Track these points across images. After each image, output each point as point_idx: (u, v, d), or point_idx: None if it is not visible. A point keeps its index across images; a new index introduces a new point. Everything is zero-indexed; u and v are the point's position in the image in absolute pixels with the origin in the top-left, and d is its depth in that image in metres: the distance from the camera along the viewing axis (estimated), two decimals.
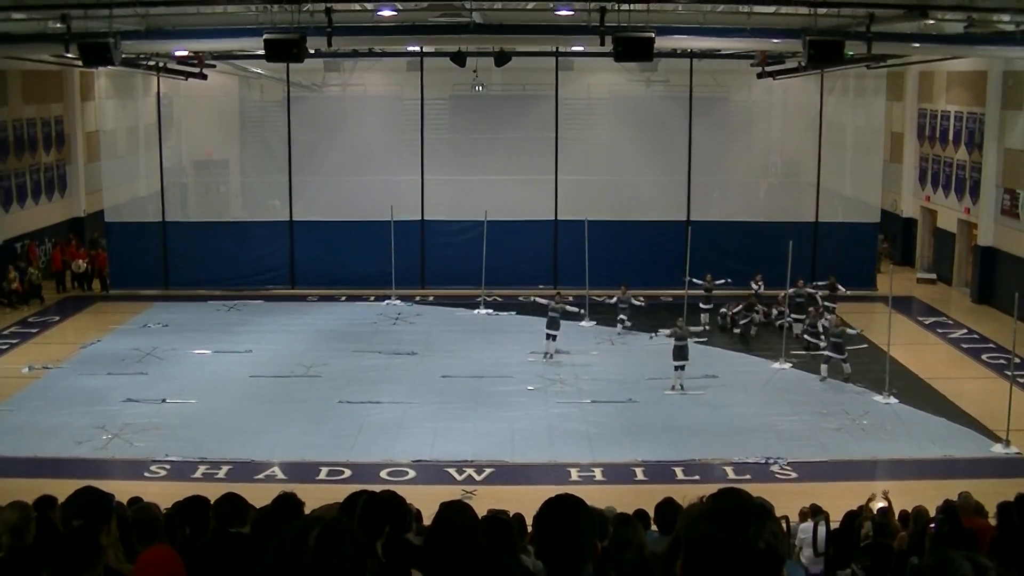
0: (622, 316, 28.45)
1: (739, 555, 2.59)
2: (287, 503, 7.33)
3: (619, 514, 8.82)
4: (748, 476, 19.00)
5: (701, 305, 29.15)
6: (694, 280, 28.49)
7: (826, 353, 24.92)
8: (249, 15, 21.94)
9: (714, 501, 2.74)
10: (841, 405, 23.05)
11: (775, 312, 28.72)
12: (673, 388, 23.86)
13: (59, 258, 34.22)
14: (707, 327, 28.47)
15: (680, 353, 24.03)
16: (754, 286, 29.68)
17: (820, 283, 29.90)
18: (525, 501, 12.44)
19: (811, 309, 28.08)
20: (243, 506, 7.02)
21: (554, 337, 26.40)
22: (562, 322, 26.61)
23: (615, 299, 28.56)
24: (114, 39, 19.56)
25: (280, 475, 19.08)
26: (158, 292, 33.48)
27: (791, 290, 27.95)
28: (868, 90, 35.07)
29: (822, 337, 26.27)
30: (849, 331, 25.11)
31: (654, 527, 9.56)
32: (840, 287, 29.64)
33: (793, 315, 27.90)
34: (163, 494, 13.02)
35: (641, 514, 10.64)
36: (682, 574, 2.68)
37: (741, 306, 28.54)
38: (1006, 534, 9.50)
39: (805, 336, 27.24)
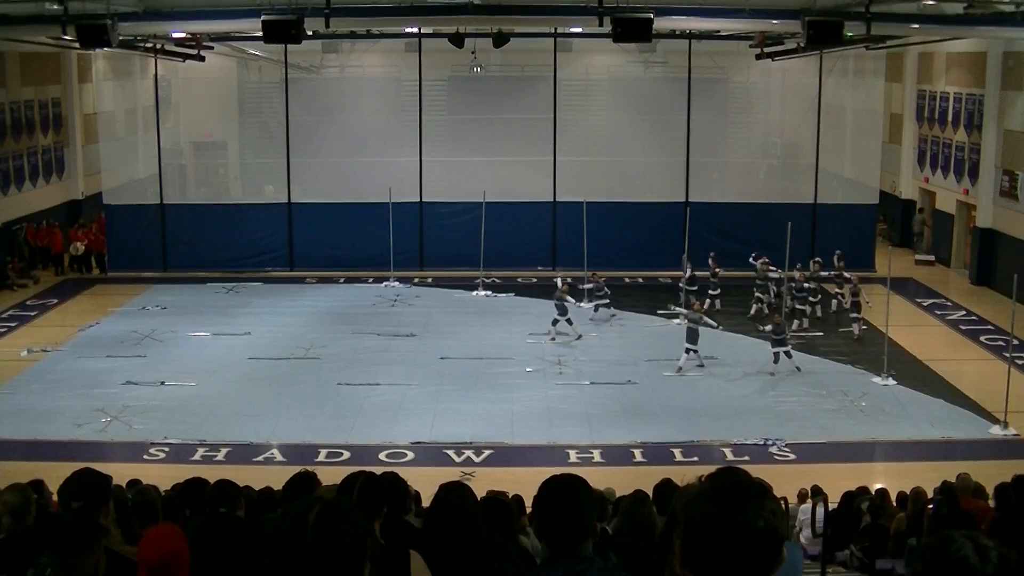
0: (598, 303, 28.34)
1: (738, 534, 2.59)
2: (305, 481, 7.33)
3: (634, 492, 8.78)
4: (747, 457, 19.01)
5: (710, 292, 28.95)
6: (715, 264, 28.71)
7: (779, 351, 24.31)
8: None
9: (712, 481, 2.73)
10: (839, 386, 23.06)
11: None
12: (679, 371, 23.85)
13: (59, 240, 34.19)
14: (719, 325, 27.33)
15: (691, 336, 24.05)
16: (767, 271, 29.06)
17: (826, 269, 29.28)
18: (524, 483, 12.48)
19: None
20: (235, 492, 7.04)
21: (556, 321, 26.42)
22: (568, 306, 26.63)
23: (591, 286, 28.45)
24: (111, 21, 19.53)
25: (279, 457, 19.11)
26: (157, 274, 33.44)
27: (806, 274, 27.82)
28: (867, 71, 35.00)
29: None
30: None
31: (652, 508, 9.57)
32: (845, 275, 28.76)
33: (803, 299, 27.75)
34: (162, 476, 13.05)
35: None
36: (681, 555, 2.68)
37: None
38: (1004, 516, 9.53)
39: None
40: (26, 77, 34.28)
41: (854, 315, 26.62)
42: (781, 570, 2.64)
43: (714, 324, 25.37)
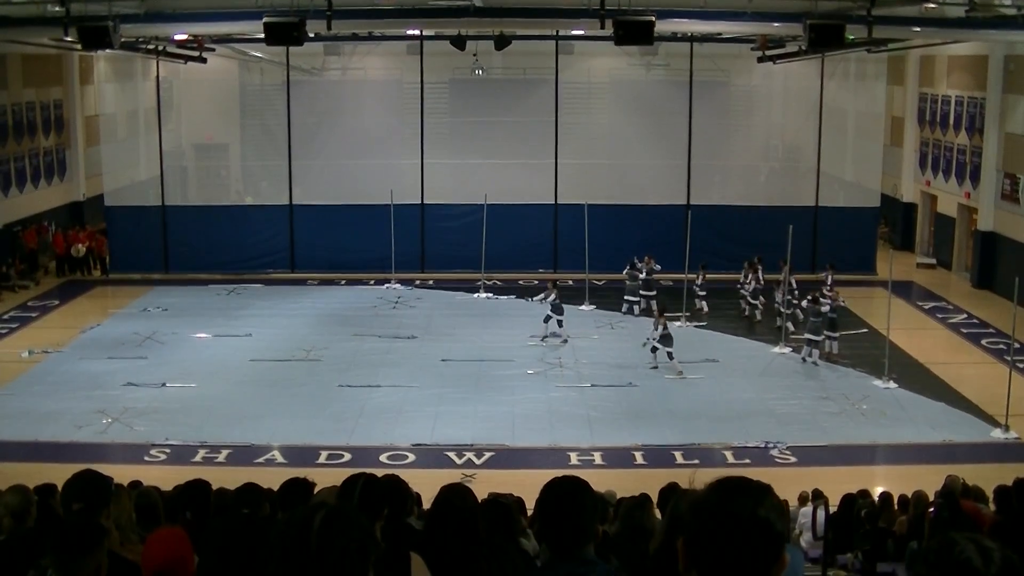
0: (628, 297, 28.72)
1: (737, 523, 2.61)
2: (300, 488, 7.32)
3: (633, 497, 8.76)
4: (747, 460, 19.03)
5: (698, 293, 29.01)
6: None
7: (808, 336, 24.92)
8: None
9: (717, 481, 2.77)
10: (840, 390, 23.07)
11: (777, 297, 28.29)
12: (680, 373, 23.83)
13: (61, 242, 34.19)
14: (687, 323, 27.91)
15: (664, 340, 24.08)
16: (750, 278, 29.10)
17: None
18: (525, 485, 12.45)
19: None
20: (259, 495, 7.05)
21: (560, 322, 26.46)
22: (564, 306, 26.71)
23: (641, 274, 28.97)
24: (113, 22, 19.53)
25: (280, 459, 19.11)
26: (158, 276, 33.47)
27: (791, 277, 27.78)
28: (869, 74, 35.00)
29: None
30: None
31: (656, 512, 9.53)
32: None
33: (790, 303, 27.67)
34: (163, 478, 13.03)
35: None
36: (684, 553, 2.69)
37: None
38: (1005, 519, 9.52)
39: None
40: (28, 79, 34.30)
41: (831, 333, 25.35)
42: (783, 574, 2.65)
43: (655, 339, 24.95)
